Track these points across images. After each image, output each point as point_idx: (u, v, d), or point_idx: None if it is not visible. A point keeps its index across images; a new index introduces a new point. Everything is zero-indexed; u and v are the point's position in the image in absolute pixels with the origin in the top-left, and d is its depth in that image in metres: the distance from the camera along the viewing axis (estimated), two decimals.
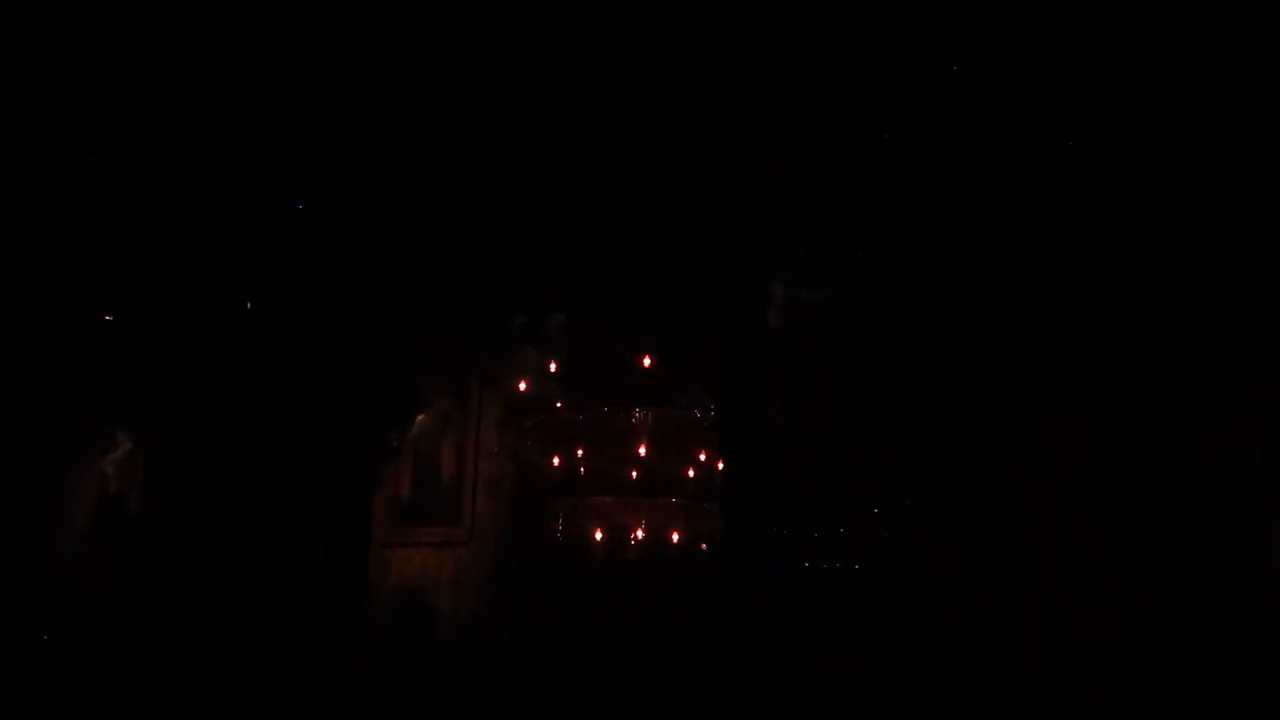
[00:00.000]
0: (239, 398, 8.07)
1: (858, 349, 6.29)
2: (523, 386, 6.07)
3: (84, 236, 6.93)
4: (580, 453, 5.80)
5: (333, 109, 5.99)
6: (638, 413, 5.61)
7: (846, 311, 6.20)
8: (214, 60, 5.80)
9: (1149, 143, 5.37)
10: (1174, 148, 5.31)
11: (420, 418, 7.84)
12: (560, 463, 5.80)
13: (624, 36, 5.47)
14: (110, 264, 7.27)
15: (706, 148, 5.85)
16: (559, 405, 5.80)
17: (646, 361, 5.59)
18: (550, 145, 6.09)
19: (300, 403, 7.81)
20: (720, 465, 5.65)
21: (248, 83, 5.89)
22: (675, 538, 5.76)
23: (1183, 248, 5.59)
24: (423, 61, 5.74)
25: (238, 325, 7.73)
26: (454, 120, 6.02)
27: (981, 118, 5.65)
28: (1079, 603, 5.65)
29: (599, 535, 5.80)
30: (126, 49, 5.76)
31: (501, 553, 7.59)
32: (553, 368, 6.24)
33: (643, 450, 5.61)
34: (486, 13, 5.49)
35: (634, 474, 5.64)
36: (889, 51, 5.40)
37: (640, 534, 5.74)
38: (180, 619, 7.81)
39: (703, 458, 5.73)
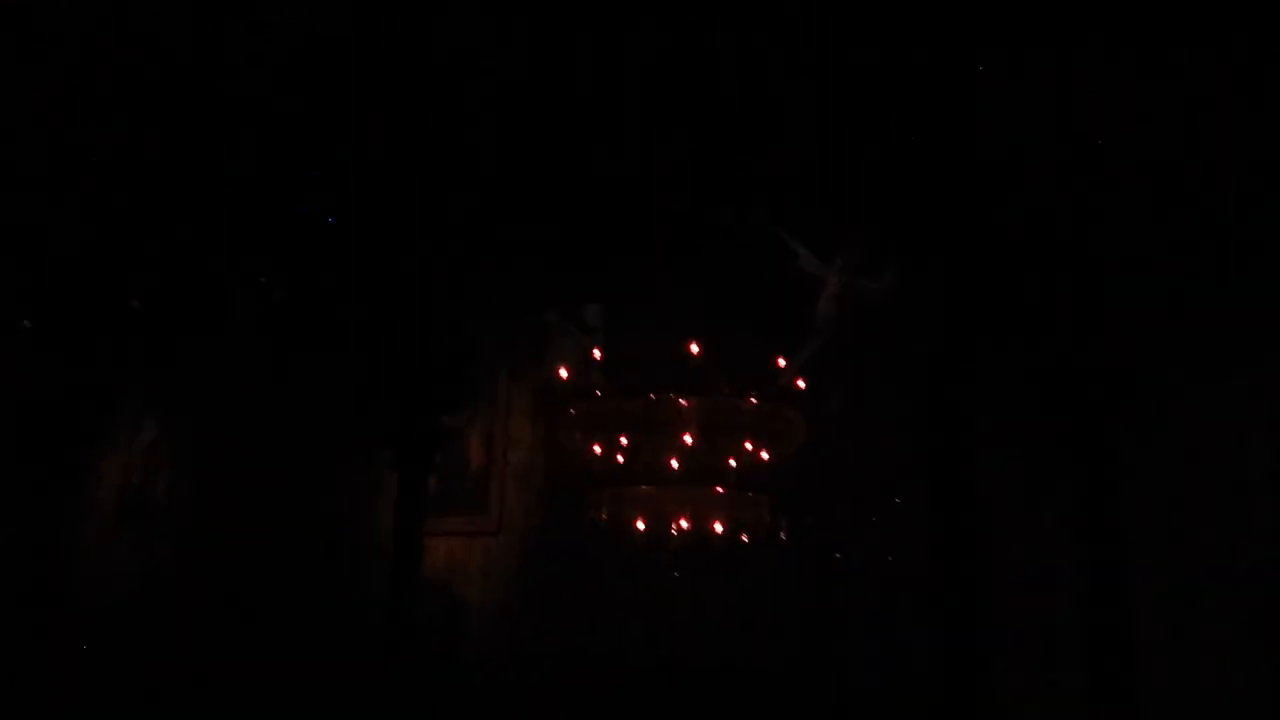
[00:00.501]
0: (263, 391, 8.12)
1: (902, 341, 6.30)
2: (564, 374, 5.98)
3: (84, 236, 6.95)
4: (624, 441, 5.72)
5: (333, 109, 5.99)
6: (684, 401, 5.53)
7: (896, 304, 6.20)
8: (214, 60, 5.79)
9: (1149, 142, 5.37)
10: (1174, 147, 5.31)
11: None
12: (602, 451, 5.71)
13: (624, 36, 5.47)
14: (111, 264, 7.30)
15: (706, 148, 5.87)
16: (598, 393, 5.71)
17: (695, 348, 5.51)
18: (550, 145, 6.10)
19: (327, 397, 7.84)
20: (765, 455, 5.58)
21: (248, 83, 5.89)
22: (719, 529, 5.69)
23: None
24: (423, 61, 5.74)
25: (260, 321, 7.75)
26: (454, 120, 6.02)
27: (981, 117, 5.65)
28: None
29: (640, 525, 5.72)
30: (126, 49, 5.76)
31: (531, 544, 7.55)
32: (596, 354, 6.16)
33: (688, 439, 5.52)
34: (486, 13, 5.48)
35: (679, 463, 5.56)
36: (889, 51, 5.39)
37: (683, 524, 5.67)
38: (202, 610, 7.86)
39: (749, 446, 5.65)
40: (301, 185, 6.70)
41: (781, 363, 5.61)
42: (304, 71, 5.81)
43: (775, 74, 5.53)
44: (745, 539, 5.66)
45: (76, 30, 5.66)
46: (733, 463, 5.54)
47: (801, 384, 5.57)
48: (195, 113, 6.08)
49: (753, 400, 5.44)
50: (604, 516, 5.67)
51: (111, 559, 8.76)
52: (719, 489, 5.55)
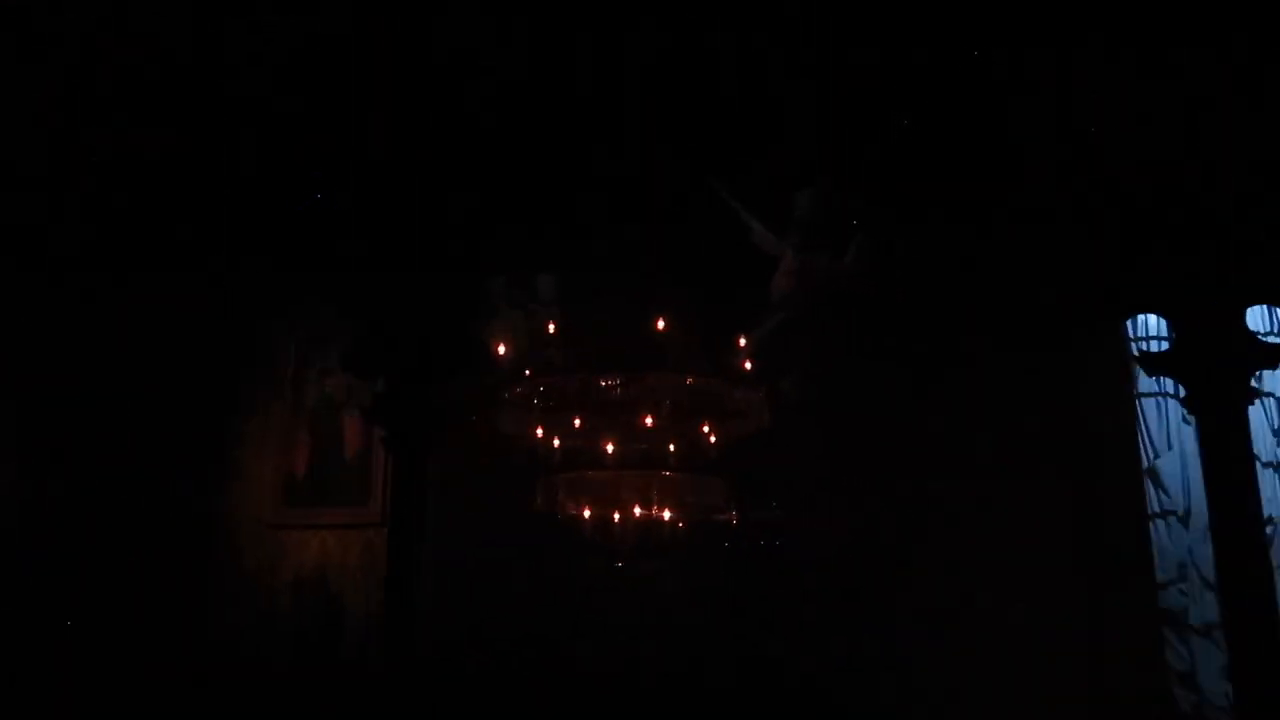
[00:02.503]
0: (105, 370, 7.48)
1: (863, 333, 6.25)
2: (501, 351, 5.52)
3: (84, 236, 6.94)
4: (575, 424, 5.39)
5: (333, 109, 5.99)
6: (629, 381, 5.22)
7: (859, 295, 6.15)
8: (214, 60, 5.79)
9: (1149, 142, 5.37)
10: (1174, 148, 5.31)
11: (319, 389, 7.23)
12: (547, 435, 5.36)
13: (624, 36, 5.47)
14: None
15: (706, 148, 5.87)
16: (527, 372, 5.35)
17: (660, 324, 5.24)
18: (550, 145, 6.10)
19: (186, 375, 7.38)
20: (713, 438, 5.33)
21: (248, 83, 5.89)
22: (667, 515, 5.41)
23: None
24: (423, 61, 5.74)
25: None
26: (454, 120, 6.02)
27: (980, 117, 5.66)
28: None
29: (586, 513, 5.39)
30: (126, 49, 5.76)
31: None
32: (550, 329, 5.77)
33: (648, 421, 5.22)
34: (486, 13, 5.49)
35: (633, 447, 5.31)
36: (889, 51, 5.40)
37: (636, 511, 5.39)
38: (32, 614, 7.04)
39: (705, 429, 5.36)
40: (302, 184, 6.69)
41: (743, 342, 5.41)
42: (304, 71, 5.81)
43: (775, 74, 5.54)
44: (682, 527, 5.41)
45: (76, 30, 5.66)
46: (688, 446, 5.29)
47: (748, 365, 5.35)
48: (196, 113, 6.08)
49: (712, 380, 5.19)
50: (557, 507, 5.37)
51: None
52: (673, 473, 5.29)
